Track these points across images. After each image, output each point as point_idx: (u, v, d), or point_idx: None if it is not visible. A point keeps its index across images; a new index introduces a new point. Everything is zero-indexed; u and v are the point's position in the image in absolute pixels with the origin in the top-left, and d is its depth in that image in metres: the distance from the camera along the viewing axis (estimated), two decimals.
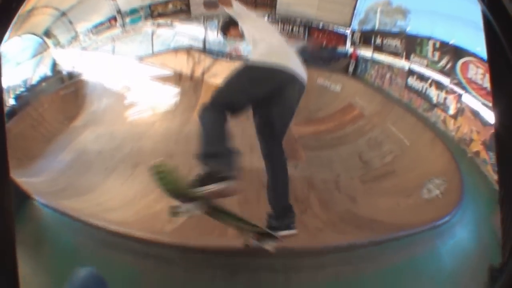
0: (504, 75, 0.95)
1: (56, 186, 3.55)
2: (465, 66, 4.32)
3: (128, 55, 5.65)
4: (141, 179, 3.52)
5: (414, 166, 3.83)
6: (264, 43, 2.24)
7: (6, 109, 4.48)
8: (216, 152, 2.14)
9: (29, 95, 4.80)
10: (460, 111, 4.27)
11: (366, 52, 6.04)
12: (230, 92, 2.20)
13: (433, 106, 4.57)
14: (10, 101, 4.47)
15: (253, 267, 2.33)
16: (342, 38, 6.39)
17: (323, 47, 6.32)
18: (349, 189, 3.59)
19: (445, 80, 4.63)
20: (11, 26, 0.95)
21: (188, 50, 5.39)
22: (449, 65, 4.52)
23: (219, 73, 5.25)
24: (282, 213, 2.30)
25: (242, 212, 2.79)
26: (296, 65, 2.23)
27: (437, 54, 4.80)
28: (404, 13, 5.51)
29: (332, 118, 5.00)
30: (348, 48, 6.36)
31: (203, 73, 5.40)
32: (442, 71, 4.68)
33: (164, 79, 5.26)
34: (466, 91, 4.23)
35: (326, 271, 2.36)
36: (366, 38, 6.17)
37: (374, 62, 5.83)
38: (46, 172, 3.80)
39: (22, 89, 4.74)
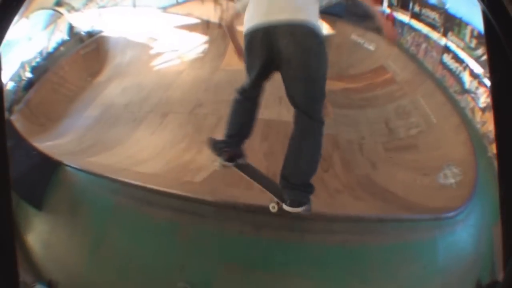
0: (505, 75, 0.93)
1: (84, 144, 3.54)
2: None
3: (151, 6, 5.32)
4: (171, 128, 3.54)
5: (437, 146, 3.69)
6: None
7: (23, 83, 4.26)
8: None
9: (47, 63, 4.52)
10: (489, 107, 3.90)
11: (403, 17, 5.64)
12: (247, 68, 2.17)
13: (464, 91, 4.20)
14: (26, 75, 4.26)
15: (274, 225, 2.52)
16: None
17: (359, 3, 5.81)
18: (372, 154, 3.52)
19: (479, 70, 4.21)
20: (11, 26, 0.92)
21: None
22: (484, 57, 4.09)
23: None
24: (292, 188, 2.09)
25: (268, 163, 2.85)
26: (279, 13, 1.84)
27: (474, 41, 4.35)
28: None
29: (363, 78, 4.68)
30: (385, 8, 5.87)
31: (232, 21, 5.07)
32: (477, 60, 4.26)
33: (191, 27, 4.97)
34: None
35: (335, 237, 2.55)
36: (404, 1, 5.68)
37: (411, 28, 5.41)
38: (72, 131, 3.78)
39: (38, 60, 4.43)
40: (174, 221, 2.49)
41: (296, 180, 2.05)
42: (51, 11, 4.74)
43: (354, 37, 5.30)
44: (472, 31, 4.27)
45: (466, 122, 3.85)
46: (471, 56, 4.21)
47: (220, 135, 3.03)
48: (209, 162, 2.83)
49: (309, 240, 2.47)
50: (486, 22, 0.97)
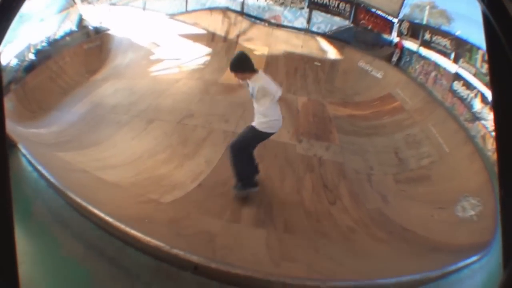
0: (505, 75, 0.86)
1: (62, 138, 3.00)
2: None
3: (160, 11, 4.91)
4: (154, 135, 2.84)
5: (451, 177, 3.13)
6: None
7: (25, 64, 4.08)
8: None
9: (51, 49, 4.30)
10: None
11: (412, 45, 5.19)
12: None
13: (475, 118, 3.76)
14: (29, 56, 4.08)
15: None
16: (389, 25, 5.41)
17: (368, 30, 5.37)
18: (382, 186, 2.88)
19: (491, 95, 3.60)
20: (11, 26, 0.83)
21: (225, 10, 4.52)
22: None
23: (255, 38, 4.47)
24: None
25: (261, 188, 2.19)
26: None
27: (485, 66, 3.88)
28: (448, 18, 4.82)
29: (370, 105, 4.13)
30: (394, 37, 5.46)
31: (238, 36, 4.62)
32: (488, 85, 3.72)
33: (196, 38, 4.47)
34: None
35: None
36: (414, 30, 5.27)
37: (420, 57, 4.95)
38: (57, 124, 3.31)
39: (44, 44, 4.24)
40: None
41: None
42: None
43: (361, 64, 5.11)
44: (483, 55, 4.08)
45: (478, 150, 3.36)
46: (483, 81, 3.99)
47: (208, 150, 2.55)
48: (189, 180, 2.13)
49: None
50: (486, 22, 0.87)
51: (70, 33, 4.50)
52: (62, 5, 4.45)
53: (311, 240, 1.91)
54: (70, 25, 4.53)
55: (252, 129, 1.97)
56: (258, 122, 1.96)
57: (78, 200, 1.55)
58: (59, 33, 4.41)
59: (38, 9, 4.11)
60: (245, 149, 2.02)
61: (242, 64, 2.00)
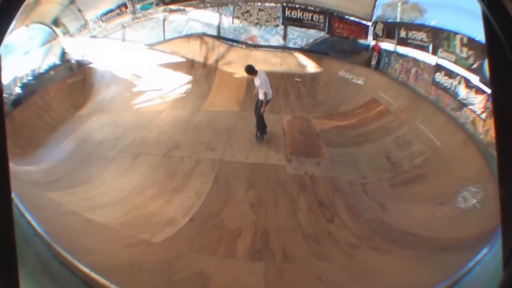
0: (504, 74, 0.86)
1: (52, 176, 2.94)
2: None
3: (139, 42, 4.93)
4: (141, 171, 2.81)
5: (446, 170, 3.10)
6: None
7: (12, 98, 4.09)
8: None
9: (36, 84, 4.32)
10: (490, 113, 3.37)
11: (389, 45, 5.29)
12: None
13: (462, 105, 3.77)
14: (16, 90, 4.06)
15: None
16: (364, 29, 5.55)
17: (344, 38, 5.52)
18: (378, 193, 2.83)
19: (474, 78, 3.72)
20: (11, 25, 0.84)
21: (202, 36, 4.61)
22: (477, 63, 3.64)
23: (234, 61, 4.53)
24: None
25: (256, 217, 2.17)
26: None
27: (465, 50, 3.96)
28: (420, 11, 4.91)
29: (355, 113, 4.15)
30: (370, 41, 5.58)
31: (217, 61, 4.66)
32: (470, 68, 3.78)
33: (176, 66, 4.52)
34: None
35: None
36: (389, 30, 5.39)
37: (399, 55, 5.03)
38: (46, 161, 3.25)
39: (30, 78, 4.29)
40: None
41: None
42: (49, 30, 4.67)
43: (341, 73, 5.10)
44: (461, 39, 4.08)
45: (470, 136, 3.37)
46: (464, 66, 3.96)
47: (197, 181, 2.53)
48: (180, 215, 2.10)
49: None
50: (486, 22, 0.87)
51: (54, 67, 4.54)
52: (45, 38, 4.54)
53: (313, 267, 1.84)
54: (54, 58, 4.58)
55: (262, 101, 3.50)
56: (263, 96, 3.48)
57: (63, 252, 1.46)
58: (44, 67, 4.45)
59: (22, 41, 4.17)
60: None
61: (249, 72, 3.65)
